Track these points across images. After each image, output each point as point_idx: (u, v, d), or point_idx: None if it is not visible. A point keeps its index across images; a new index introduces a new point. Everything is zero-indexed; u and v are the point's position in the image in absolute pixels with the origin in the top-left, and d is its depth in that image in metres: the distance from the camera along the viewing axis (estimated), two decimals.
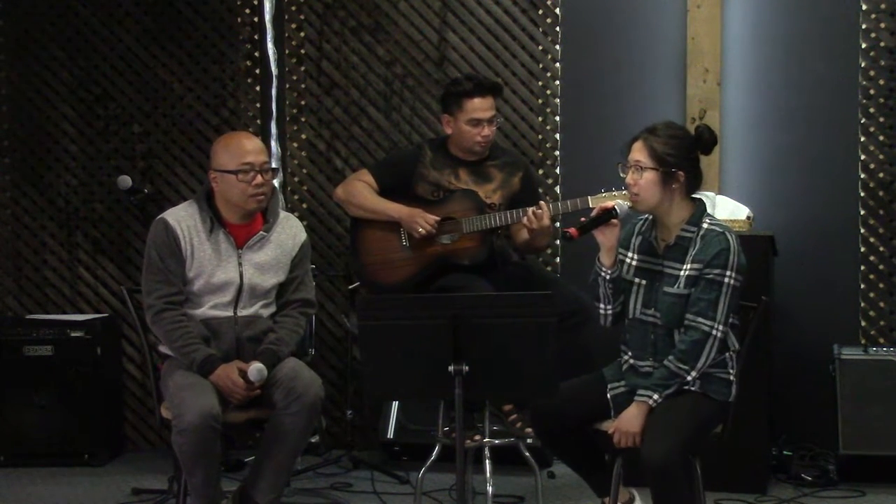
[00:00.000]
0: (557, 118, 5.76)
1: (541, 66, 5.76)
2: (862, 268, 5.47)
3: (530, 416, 4.18)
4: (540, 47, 5.76)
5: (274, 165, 5.48)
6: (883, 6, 5.40)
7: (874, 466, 5.11)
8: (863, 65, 5.43)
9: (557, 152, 5.76)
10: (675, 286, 3.88)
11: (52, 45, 6.11)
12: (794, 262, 5.45)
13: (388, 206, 4.82)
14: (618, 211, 3.93)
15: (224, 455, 5.00)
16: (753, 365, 4.25)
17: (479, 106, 4.75)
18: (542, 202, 4.67)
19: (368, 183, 4.88)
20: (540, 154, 5.77)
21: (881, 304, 5.47)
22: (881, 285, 5.47)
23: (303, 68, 5.97)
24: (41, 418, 5.63)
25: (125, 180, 5.00)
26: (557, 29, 5.75)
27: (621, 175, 3.98)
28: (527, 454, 4.56)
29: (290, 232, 4.44)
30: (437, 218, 4.75)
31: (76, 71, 6.11)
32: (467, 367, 3.49)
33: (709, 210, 4.01)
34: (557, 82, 5.75)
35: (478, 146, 4.81)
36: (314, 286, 4.54)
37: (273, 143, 5.93)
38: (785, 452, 5.34)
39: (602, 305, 4.03)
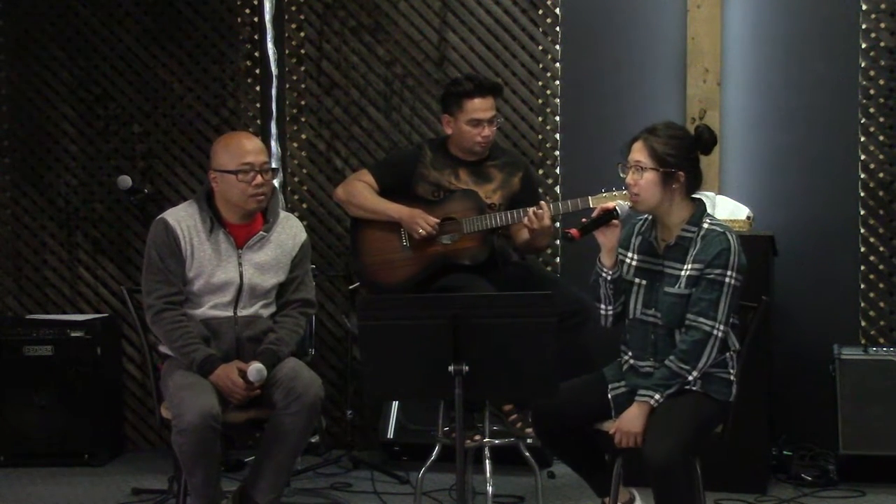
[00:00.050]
0: (557, 118, 5.76)
1: (541, 66, 5.76)
2: (862, 268, 5.47)
3: (531, 416, 4.18)
4: (540, 47, 5.76)
5: (274, 165, 5.48)
6: (883, 6, 5.40)
7: (874, 466, 5.11)
8: (863, 65, 5.43)
9: (557, 152, 5.76)
10: (676, 286, 3.88)
11: (52, 45, 6.11)
12: (794, 262, 5.45)
13: (388, 206, 4.81)
14: (619, 211, 3.93)
15: (224, 455, 5.00)
16: (753, 365, 4.24)
17: (480, 106, 4.74)
18: (542, 202, 4.66)
19: (369, 183, 4.87)
20: (540, 154, 5.77)
21: (881, 304, 5.47)
22: (881, 285, 5.47)
23: (303, 68, 5.97)
24: (41, 418, 5.63)
25: (125, 180, 5.00)
26: (557, 29, 5.75)
27: (621, 175, 3.98)
28: (527, 454, 4.56)
29: (290, 232, 4.43)
30: (438, 219, 4.74)
31: (76, 71, 6.11)
32: (467, 367, 3.50)
33: (709, 210, 4.01)
34: (557, 82, 5.75)
35: (478, 146, 4.80)
36: (314, 286, 4.53)
37: (273, 143, 5.93)
38: (785, 452, 5.34)
39: (603, 306, 4.03)
